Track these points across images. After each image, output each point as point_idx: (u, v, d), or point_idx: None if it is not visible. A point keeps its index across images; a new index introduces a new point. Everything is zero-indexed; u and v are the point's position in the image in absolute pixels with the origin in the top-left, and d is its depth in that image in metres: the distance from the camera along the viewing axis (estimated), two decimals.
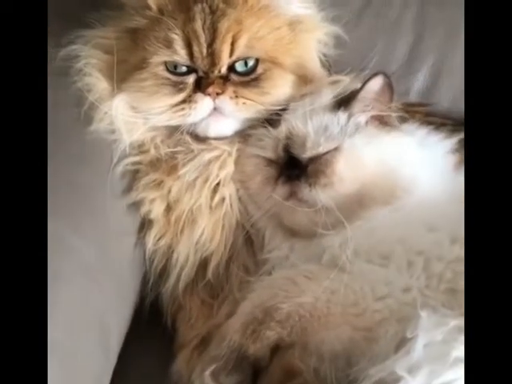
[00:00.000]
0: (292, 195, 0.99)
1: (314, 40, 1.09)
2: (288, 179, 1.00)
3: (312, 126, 1.00)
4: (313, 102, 1.03)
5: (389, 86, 1.00)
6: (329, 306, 0.88)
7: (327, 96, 1.04)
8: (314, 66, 1.09)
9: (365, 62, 1.14)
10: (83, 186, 0.98)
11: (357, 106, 1.01)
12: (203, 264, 1.04)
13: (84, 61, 1.04)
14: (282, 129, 1.02)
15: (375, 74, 1.00)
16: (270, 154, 1.03)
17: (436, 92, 1.25)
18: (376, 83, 1.00)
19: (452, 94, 1.23)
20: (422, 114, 1.13)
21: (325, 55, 1.11)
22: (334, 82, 1.08)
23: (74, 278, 0.88)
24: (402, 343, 0.79)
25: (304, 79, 1.07)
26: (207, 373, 0.89)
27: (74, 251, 0.90)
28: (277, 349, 0.89)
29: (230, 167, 1.04)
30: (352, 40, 1.13)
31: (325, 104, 1.03)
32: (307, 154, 0.99)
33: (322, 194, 0.97)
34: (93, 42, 1.06)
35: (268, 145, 1.03)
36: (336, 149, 0.99)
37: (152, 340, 1.06)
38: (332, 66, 1.13)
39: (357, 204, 0.97)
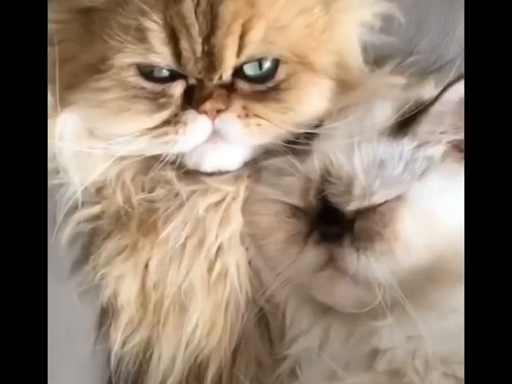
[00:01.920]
0: (329, 262, 0.73)
1: (356, 24, 0.79)
2: (323, 239, 0.73)
3: (361, 162, 0.72)
4: (361, 121, 0.75)
5: None
6: None
7: (383, 111, 0.75)
8: (358, 63, 0.80)
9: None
10: None
11: (427, 127, 0.73)
12: (197, 370, 0.77)
13: None
14: (315, 163, 0.74)
15: (457, 79, 0.70)
16: (296, 201, 0.75)
17: None
18: (457, 92, 0.70)
19: None
20: None
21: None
22: (389, 86, 0.80)
23: None
24: None
25: (345, 85, 0.78)
26: None
27: None
28: None
29: (236, 221, 0.77)
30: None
31: (379, 127, 0.74)
32: (354, 204, 0.72)
33: (376, 266, 0.71)
34: None
35: (293, 186, 0.76)
36: (398, 198, 0.71)
37: None
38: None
39: (427, 280, 0.72)
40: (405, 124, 0.73)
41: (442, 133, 0.74)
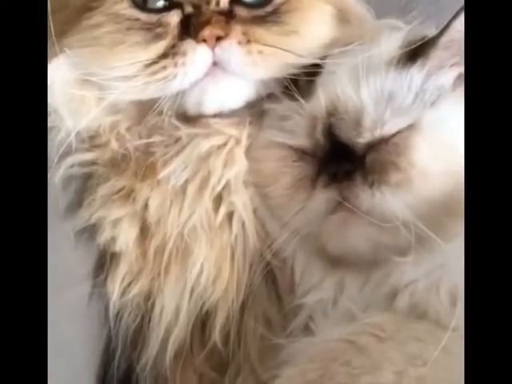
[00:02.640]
0: (341, 205, 0.67)
1: None
2: (333, 179, 0.68)
3: (369, 93, 0.69)
4: (367, 53, 0.71)
5: None
6: None
7: (389, 44, 0.72)
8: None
9: None
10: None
11: (437, 58, 0.70)
12: (203, 320, 0.72)
13: None
14: (320, 98, 0.70)
15: (460, 10, 0.68)
16: (301, 141, 0.71)
17: None
18: (462, 22, 0.68)
19: None
20: None
21: None
22: (389, 28, 0.77)
23: None
24: None
25: (346, 17, 0.76)
26: None
27: None
28: None
29: (240, 162, 0.73)
30: None
31: (386, 58, 0.71)
32: (365, 137, 0.68)
33: (393, 199, 0.66)
34: None
35: (298, 126, 0.72)
36: (411, 127, 0.68)
37: None
38: None
39: (446, 214, 0.68)
40: (413, 55, 0.70)
41: (451, 65, 0.70)
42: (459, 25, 0.68)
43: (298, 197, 0.70)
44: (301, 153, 0.71)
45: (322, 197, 0.68)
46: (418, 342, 0.59)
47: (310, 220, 0.69)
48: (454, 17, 0.69)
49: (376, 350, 0.60)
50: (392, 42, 0.73)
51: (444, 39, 0.70)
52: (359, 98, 0.69)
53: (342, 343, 0.62)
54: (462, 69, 0.70)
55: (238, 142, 0.73)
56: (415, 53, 0.71)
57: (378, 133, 0.68)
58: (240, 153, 0.73)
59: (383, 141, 0.68)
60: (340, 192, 0.67)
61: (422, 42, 0.71)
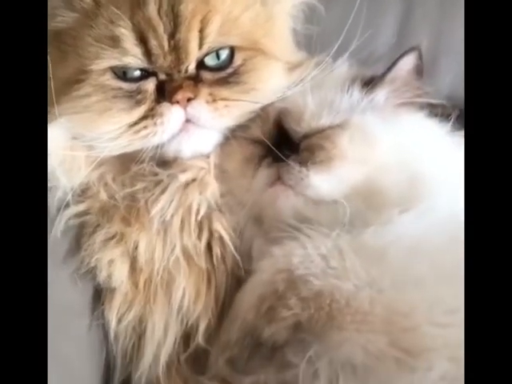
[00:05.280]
0: (278, 180, 0.81)
1: (287, 14, 0.89)
2: (275, 160, 0.82)
3: (313, 99, 0.83)
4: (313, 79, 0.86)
5: (419, 66, 0.84)
6: (372, 304, 0.68)
7: (339, 71, 0.88)
8: (292, 46, 0.90)
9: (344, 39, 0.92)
10: None
11: (382, 89, 0.84)
12: (188, 333, 0.82)
13: None
14: (275, 105, 0.85)
15: (410, 50, 0.84)
16: (255, 133, 0.85)
17: (434, 76, 1.00)
18: (409, 61, 0.84)
19: (451, 79, 1.00)
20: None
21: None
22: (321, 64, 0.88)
23: None
24: None
25: (292, 65, 0.87)
26: (221, 361, 0.75)
27: None
28: (297, 328, 0.71)
29: (212, 185, 0.84)
30: (330, 14, 0.92)
31: (336, 79, 0.86)
32: (303, 126, 0.82)
33: (315, 176, 0.79)
34: None
35: (255, 123, 0.85)
36: (341, 124, 0.82)
37: None
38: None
39: (363, 202, 0.78)
40: (363, 83, 0.84)
41: (392, 94, 0.84)
42: (405, 63, 0.83)
43: (248, 172, 0.83)
44: (254, 140, 0.84)
45: (265, 173, 0.82)
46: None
47: (254, 191, 0.82)
48: (401, 56, 0.83)
49: (352, 262, 0.71)
50: (342, 69, 0.88)
51: (391, 74, 0.84)
52: (304, 100, 0.83)
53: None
54: (401, 100, 0.84)
55: (207, 171, 0.83)
56: (365, 82, 0.85)
57: (314, 124, 0.81)
58: (211, 179, 0.83)
59: (317, 132, 0.81)
60: (277, 170, 0.81)
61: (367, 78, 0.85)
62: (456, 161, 0.78)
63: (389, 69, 0.84)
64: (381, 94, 0.83)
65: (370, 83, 0.84)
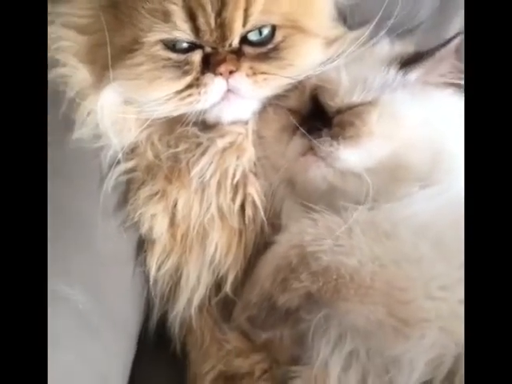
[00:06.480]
0: (310, 149, 0.86)
1: None
2: (309, 131, 0.86)
3: (347, 75, 0.88)
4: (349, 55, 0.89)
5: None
6: (374, 279, 0.75)
7: (381, 48, 0.91)
8: (331, 22, 0.94)
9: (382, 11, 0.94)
10: (67, 213, 0.84)
11: (424, 68, 0.87)
12: (218, 282, 0.91)
13: (54, 45, 0.87)
14: (312, 78, 0.89)
15: (457, 34, 0.87)
16: (292, 103, 0.90)
17: None
18: (455, 44, 0.87)
19: None
20: None
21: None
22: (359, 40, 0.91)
23: (71, 334, 0.76)
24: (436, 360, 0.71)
25: (330, 40, 0.92)
26: (242, 318, 0.84)
27: (67, 303, 0.78)
28: (308, 298, 0.79)
29: (249, 151, 0.90)
30: None
31: (376, 55, 0.90)
32: (336, 101, 0.87)
33: (344, 150, 0.84)
34: (62, 21, 0.88)
35: (293, 93, 0.90)
36: (372, 102, 0.86)
37: (159, 368, 0.94)
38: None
39: (388, 175, 0.83)
40: (405, 62, 0.87)
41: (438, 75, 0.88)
42: (454, 45, 0.86)
43: (283, 140, 0.89)
44: (291, 111, 0.90)
45: (298, 142, 0.87)
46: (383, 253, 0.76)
47: (288, 158, 0.88)
48: (454, 36, 0.87)
49: (358, 241, 0.77)
50: (383, 46, 0.92)
51: (439, 54, 0.87)
52: (338, 76, 0.88)
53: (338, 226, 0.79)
54: (434, 79, 0.88)
55: (245, 136, 0.90)
56: (407, 60, 0.88)
57: (347, 100, 0.86)
58: (248, 144, 0.90)
59: (348, 108, 0.86)
60: (310, 140, 0.85)
61: (416, 53, 0.88)
62: None
63: (436, 48, 0.87)
64: (417, 72, 0.87)
65: (411, 62, 0.87)
